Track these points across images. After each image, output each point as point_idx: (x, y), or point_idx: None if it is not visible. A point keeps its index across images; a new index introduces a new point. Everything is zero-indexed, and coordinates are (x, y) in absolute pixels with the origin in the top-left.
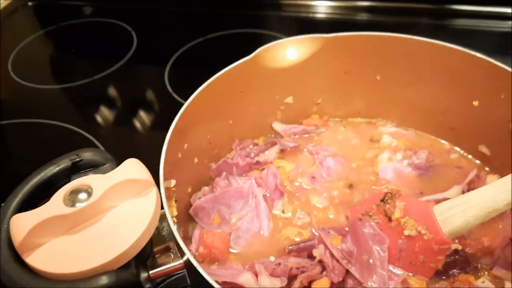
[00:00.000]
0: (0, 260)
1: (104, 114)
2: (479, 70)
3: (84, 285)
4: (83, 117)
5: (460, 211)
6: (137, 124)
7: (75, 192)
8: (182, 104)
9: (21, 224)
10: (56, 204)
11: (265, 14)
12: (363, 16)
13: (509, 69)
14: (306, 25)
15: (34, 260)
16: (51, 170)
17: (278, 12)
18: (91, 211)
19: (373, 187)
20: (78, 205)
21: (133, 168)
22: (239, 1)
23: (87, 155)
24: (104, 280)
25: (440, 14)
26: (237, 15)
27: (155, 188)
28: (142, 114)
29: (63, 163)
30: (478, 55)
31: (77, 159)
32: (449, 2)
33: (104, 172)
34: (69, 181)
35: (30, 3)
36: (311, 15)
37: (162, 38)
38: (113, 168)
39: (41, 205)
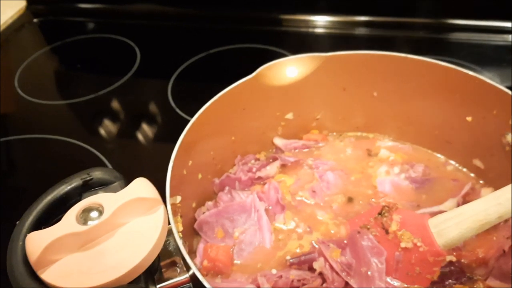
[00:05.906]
0: (17, 276)
1: (108, 129)
2: (471, 87)
3: None
4: (88, 132)
5: (454, 224)
6: (141, 138)
7: (87, 211)
8: (185, 119)
9: (37, 242)
10: (69, 222)
11: (265, 29)
12: (361, 31)
13: (499, 86)
14: (306, 39)
15: (49, 276)
16: (63, 189)
17: (278, 27)
18: (102, 228)
19: (372, 200)
20: (90, 223)
21: (141, 187)
22: (240, 17)
23: (97, 174)
24: None
25: (437, 28)
26: (238, 30)
27: (162, 206)
28: (146, 128)
29: (75, 182)
30: (470, 73)
31: (88, 178)
32: (446, 17)
33: (113, 190)
34: (80, 199)
35: (35, 20)
36: (310, 29)
37: (165, 53)
38: (122, 186)
39: (54, 223)
